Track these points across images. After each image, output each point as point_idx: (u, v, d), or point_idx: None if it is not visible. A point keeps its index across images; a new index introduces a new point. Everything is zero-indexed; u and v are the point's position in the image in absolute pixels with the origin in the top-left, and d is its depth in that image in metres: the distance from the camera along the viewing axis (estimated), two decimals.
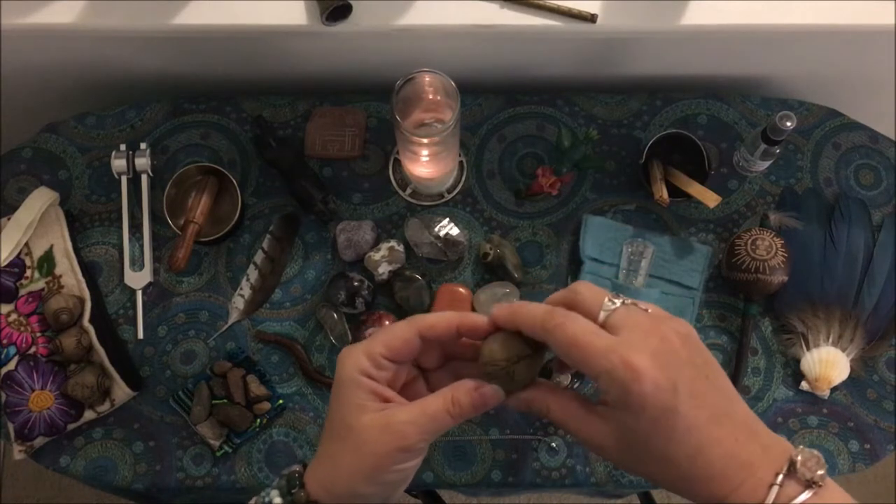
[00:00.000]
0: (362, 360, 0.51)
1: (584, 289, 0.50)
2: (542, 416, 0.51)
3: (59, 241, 1.04)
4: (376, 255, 1.03)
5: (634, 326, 0.47)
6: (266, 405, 1.00)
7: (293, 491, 0.50)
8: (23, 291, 1.03)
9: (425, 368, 0.56)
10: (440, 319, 0.52)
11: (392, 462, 0.49)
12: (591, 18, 0.97)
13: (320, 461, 0.51)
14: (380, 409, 0.50)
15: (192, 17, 0.98)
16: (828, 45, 1.07)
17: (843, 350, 1.01)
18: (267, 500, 0.50)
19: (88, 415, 0.99)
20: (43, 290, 1.03)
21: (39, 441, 0.98)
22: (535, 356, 0.52)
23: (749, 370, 1.03)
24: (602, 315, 0.49)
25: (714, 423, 0.45)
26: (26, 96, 1.18)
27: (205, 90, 1.16)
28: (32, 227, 1.04)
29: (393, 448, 0.48)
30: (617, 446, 0.47)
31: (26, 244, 1.04)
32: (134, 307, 1.05)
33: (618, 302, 0.49)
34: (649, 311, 0.49)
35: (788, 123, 0.95)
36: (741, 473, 0.45)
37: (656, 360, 0.45)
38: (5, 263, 1.02)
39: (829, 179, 1.10)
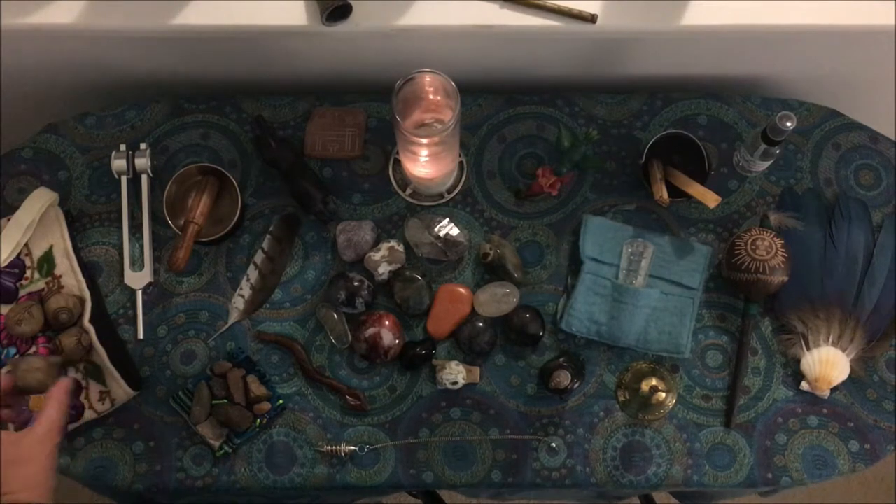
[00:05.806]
0: None
1: None
2: None
3: (59, 241, 1.04)
4: (376, 256, 1.03)
5: None
6: (266, 405, 1.00)
7: None
8: (23, 292, 1.03)
9: None
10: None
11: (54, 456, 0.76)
12: (591, 18, 0.97)
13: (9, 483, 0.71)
14: (25, 433, 0.75)
15: (192, 17, 0.98)
16: (828, 45, 1.07)
17: (843, 350, 1.01)
18: None
19: (88, 415, 0.99)
20: (43, 290, 1.03)
21: None
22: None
23: (749, 370, 1.03)
24: None
25: None
26: (26, 96, 1.18)
27: (205, 90, 1.16)
28: (32, 228, 1.04)
29: (54, 445, 0.76)
30: None
31: (26, 245, 1.04)
32: (134, 307, 1.05)
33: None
34: None
35: (788, 123, 0.95)
36: None
37: None
38: (5, 264, 1.02)
39: (829, 179, 1.10)
